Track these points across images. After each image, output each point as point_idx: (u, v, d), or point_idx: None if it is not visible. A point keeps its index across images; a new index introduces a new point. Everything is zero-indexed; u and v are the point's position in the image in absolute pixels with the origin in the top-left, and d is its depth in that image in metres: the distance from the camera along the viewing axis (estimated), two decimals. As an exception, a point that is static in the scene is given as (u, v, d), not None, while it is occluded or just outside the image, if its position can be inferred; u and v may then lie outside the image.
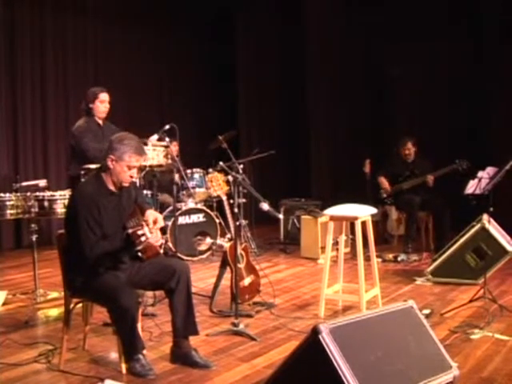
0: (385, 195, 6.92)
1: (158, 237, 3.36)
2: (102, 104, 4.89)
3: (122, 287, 3.24)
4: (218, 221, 6.67)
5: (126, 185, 3.41)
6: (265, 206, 4.01)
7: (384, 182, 6.92)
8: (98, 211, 3.27)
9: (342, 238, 4.68)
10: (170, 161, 5.02)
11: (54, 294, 4.95)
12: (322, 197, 7.97)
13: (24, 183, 5.39)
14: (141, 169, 5.15)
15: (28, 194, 4.78)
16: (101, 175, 3.39)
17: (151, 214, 3.42)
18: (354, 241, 5.03)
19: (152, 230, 3.29)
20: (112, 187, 3.39)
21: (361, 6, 8.46)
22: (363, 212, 4.40)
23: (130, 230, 3.22)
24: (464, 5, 7.67)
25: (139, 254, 3.26)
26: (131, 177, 3.38)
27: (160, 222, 3.39)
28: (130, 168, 3.34)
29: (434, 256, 5.63)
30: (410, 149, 6.83)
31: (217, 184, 4.45)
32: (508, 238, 5.22)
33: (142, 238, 3.17)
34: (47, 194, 4.77)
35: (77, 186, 3.61)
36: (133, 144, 3.36)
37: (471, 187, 4.99)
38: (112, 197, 3.39)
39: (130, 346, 3.24)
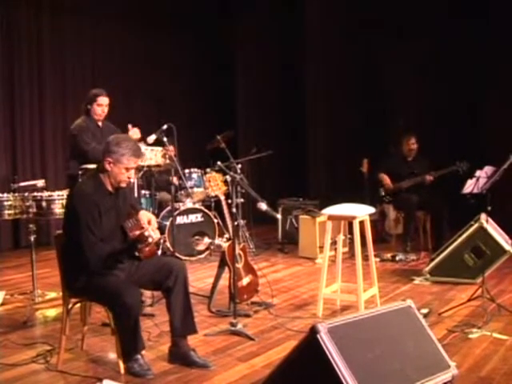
0: (383, 193, 6.90)
1: (158, 236, 3.39)
2: (99, 107, 4.88)
3: (126, 286, 3.26)
4: (216, 221, 6.67)
5: (124, 186, 3.42)
6: (263, 206, 4.01)
7: (386, 178, 6.85)
8: (97, 211, 3.28)
9: (340, 238, 4.68)
10: (167, 161, 5.02)
11: (52, 295, 4.94)
12: (320, 196, 7.96)
13: (22, 183, 5.40)
14: (138, 169, 5.16)
15: (26, 194, 4.78)
16: (99, 175, 3.39)
17: (144, 214, 3.45)
18: (352, 240, 5.01)
19: (153, 230, 3.31)
20: (110, 188, 3.40)
21: (361, 6, 8.45)
22: (361, 211, 4.40)
23: (137, 232, 3.26)
24: (465, 3, 7.67)
25: (137, 253, 3.28)
26: (129, 178, 3.39)
27: (154, 222, 3.42)
28: (127, 170, 3.35)
29: (432, 255, 5.62)
30: (414, 143, 6.79)
31: (215, 184, 4.45)
32: (506, 237, 5.22)
33: (150, 240, 3.21)
34: (45, 194, 4.77)
35: (74, 186, 3.61)
36: (130, 146, 3.36)
37: (469, 186, 4.99)
38: (110, 197, 3.40)
39: (131, 345, 3.24)
